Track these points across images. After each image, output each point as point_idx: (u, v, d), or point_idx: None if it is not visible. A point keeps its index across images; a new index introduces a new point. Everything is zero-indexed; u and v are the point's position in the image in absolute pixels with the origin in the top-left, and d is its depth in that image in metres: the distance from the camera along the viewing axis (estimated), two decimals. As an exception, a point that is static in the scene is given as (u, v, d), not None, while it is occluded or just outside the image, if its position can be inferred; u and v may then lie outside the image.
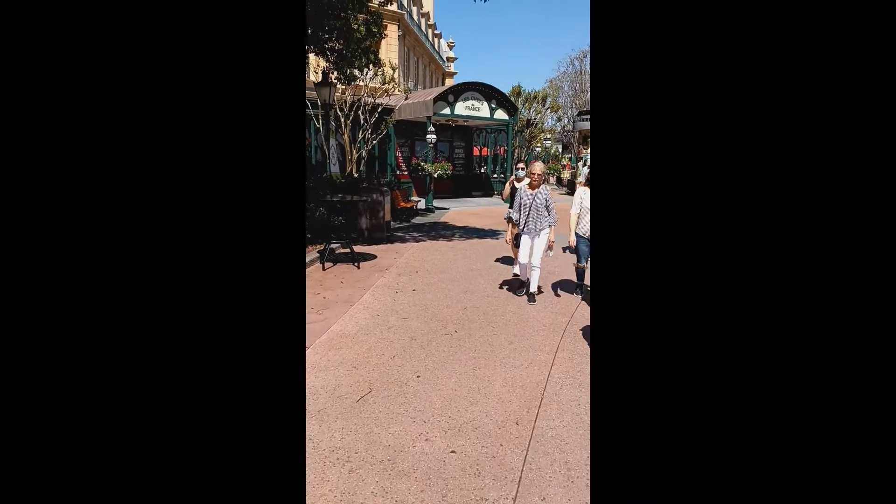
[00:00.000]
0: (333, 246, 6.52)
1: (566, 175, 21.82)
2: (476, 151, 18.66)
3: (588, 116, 19.89)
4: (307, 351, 3.54)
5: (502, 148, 19.29)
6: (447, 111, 14.20)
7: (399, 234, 9.15)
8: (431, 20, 27.97)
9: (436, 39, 29.61)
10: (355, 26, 7.46)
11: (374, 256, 6.94)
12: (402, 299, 4.85)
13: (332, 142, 8.66)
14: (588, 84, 29.36)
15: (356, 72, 7.77)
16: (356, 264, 6.29)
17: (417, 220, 11.64)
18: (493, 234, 9.50)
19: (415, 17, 23.40)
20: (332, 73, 7.84)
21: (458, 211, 13.85)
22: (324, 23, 7.14)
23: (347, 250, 6.58)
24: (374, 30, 8.26)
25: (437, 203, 14.75)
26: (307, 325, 4.05)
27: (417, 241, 8.36)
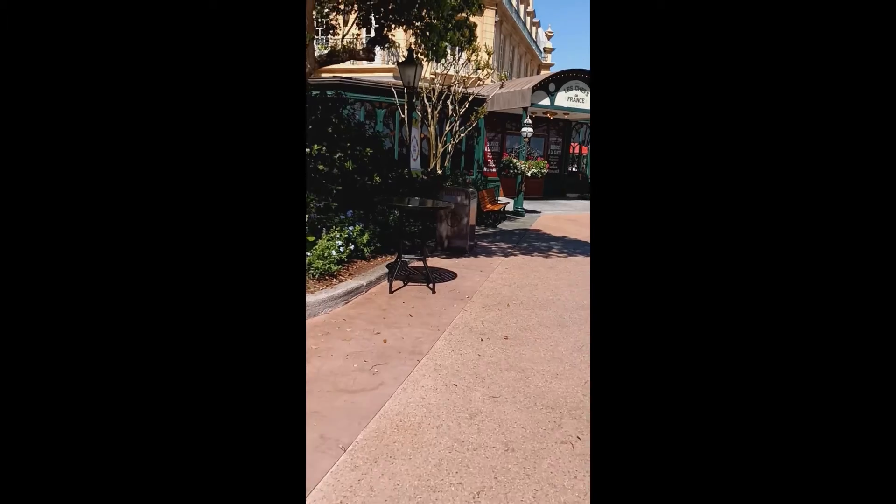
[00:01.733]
0: (406, 258, 5.23)
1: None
2: (573, 149, 16.73)
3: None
4: (345, 451, 2.22)
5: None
6: (546, 102, 12.50)
7: (484, 244, 7.71)
8: (531, 6, 26.13)
9: (533, 28, 27.71)
10: (449, -10, 6.09)
11: (453, 275, 5.56)
12: (489, 354, 3.40)
13: (415, 132, 7.35)
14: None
15: (447, 47, 6.39)
16: (430, 286, 4.94)
17: (505, 224, 10.14)
18: (599, 250, 7.76)
19: (513, 2, 21.74)
20: (419, 48, 6.53)
21: (552, 216, 12.14)
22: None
23: (421, 263, 5.25)
24: (472, -1, 6.85)
25: (527, 205, 13.14)
26: (355, 391, 2.74)
27: (506, 256, 6.87)
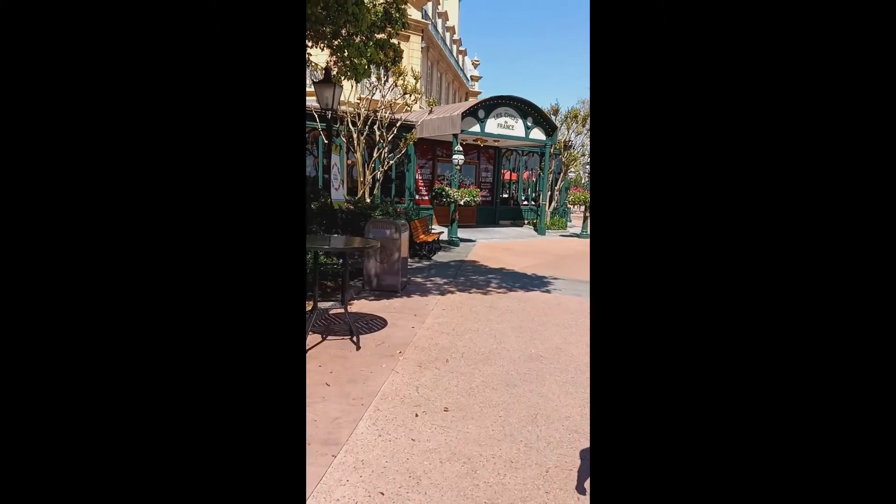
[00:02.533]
0: (324, 306, 4.43)
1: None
2: (505, 176, 16.62)
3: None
4: None
5: (527, 172, 17.19)
6: (476, 128, 12.22)
7: (418, 280, 7.04)
8: (456, 35, 26.40)
9: (460, 56, 28.00)
10: (368, 3, 5.51)
11: (383, 323, 4.81)
12: (425, 437, 2.69)
13: (335, 159, 6.61)
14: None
15: (367, 65, 5.78)
16: (354, 340, 4.16)
17: (440, 255, 9.54)
18: (539, 282, 7.31)
19: (439, 29, 21.76)
20: (336, 66, 5.87)
21: (487, 244, 11.72)
22: (326, -3, 5.19)
23: (342, 310, 4.45)
24: (396, 15, 6.32)
25: (461, 233, 12.67)
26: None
27: (443, 294, 6.23)
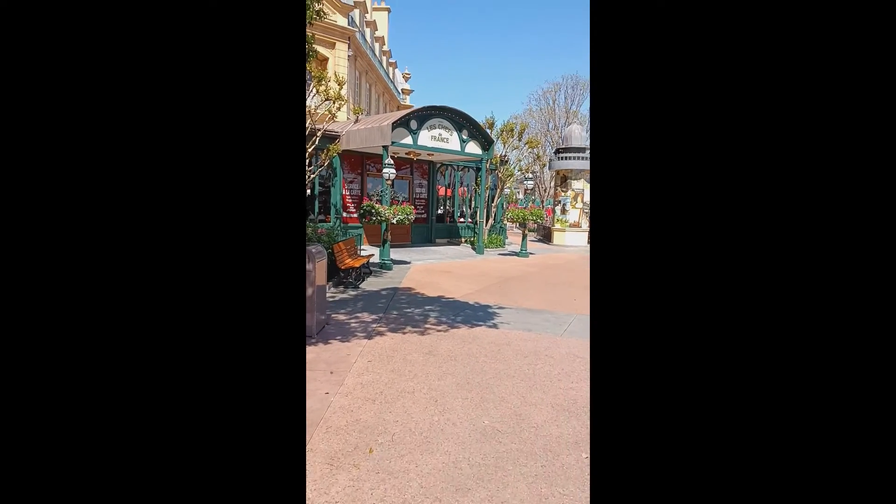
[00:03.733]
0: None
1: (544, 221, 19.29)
2: (441, 191, 15.73)
3: (567, 155, 17.53)
4: None
5: (462, 188, 16.44)
6: (409, 140, 11.23)
7: (341, 317, 5.84)
8: (386, 46, 25.51)
9: (390, 68, 27.11)
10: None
11: (286, 387, 3.59)
12: None
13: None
14: (562, 120, 27.57)
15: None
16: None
17: (371, 282, 8.37)
18: (484, 313, 6.34)
19: (367, 38, 20.74)
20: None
21: (424, 266, 10.68)
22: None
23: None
24: (310, 2, 5.22)
25: (394, 254, 11.55)
26: None
27: (370, 337, 5.08)
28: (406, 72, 30.40)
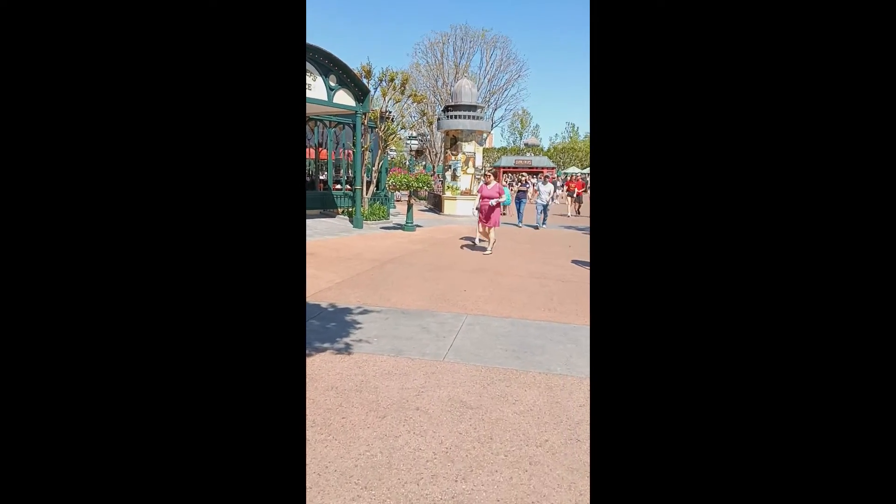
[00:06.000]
0: None
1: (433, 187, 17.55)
2: (310, 154, 13.24)
3: (456, 113, 15.78)
4: None
5: (338, 150, 14.06)
6: (255, 84, 8.66)
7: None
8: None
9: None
10: None
11: None
12: None
13: None
14: (451, 76, 25.63)
15: None
16: None
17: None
18: (338, 324, 4.40)
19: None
20: None
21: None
22: None
23: None
24: None
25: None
26: None
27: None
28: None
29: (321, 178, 13.91)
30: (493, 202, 8.38)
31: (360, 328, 4.32)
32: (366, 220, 12.13)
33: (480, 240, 9.19)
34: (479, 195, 8.78)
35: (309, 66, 9.63)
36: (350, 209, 12.52)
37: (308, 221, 11.60)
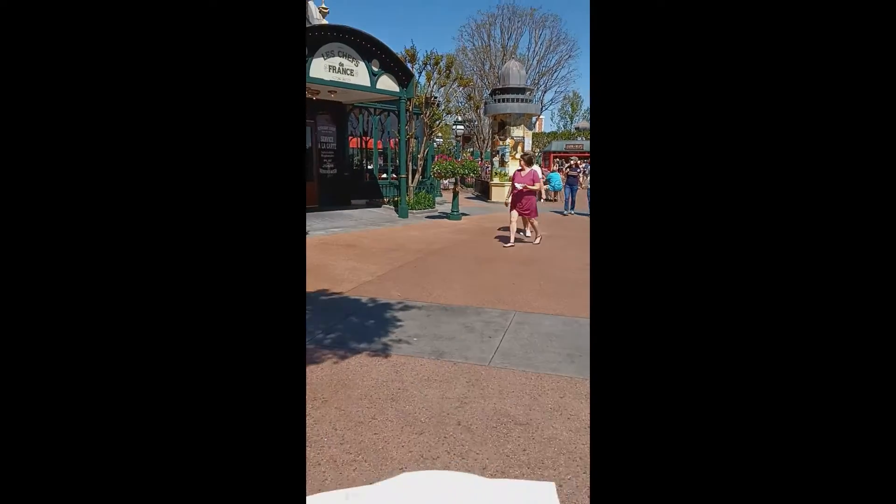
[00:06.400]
0: None
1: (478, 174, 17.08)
2: (354, 143, 13.12)
3: (504, 97, 15.22)
4: None
5: (393, 140, 13.84)
6: (297, 72, 8.53)
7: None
8: (294, -28, 21.62)
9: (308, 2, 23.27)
10: None
11: None
12: None
13: None
14: (499, 59, 24.88)
15: None
16: None
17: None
18: (377, 322, 4.14)
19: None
20: None
21: (324, 239, 8.32)
22: None
23: None
24: None
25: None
26: None
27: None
28: (323, 6, 26.53)
29: (368, 167, 13.79)
30: (521, 187, 7.63)
31: (399, 326, 4.04)
32: (411, 209, 11.89)
33: (518, 230, 8.38)
34: (511, 182, 7.95)
35: (351, 51, 9.41)
36: (396, 198, 12.31)
37: (353, 212, 11.49)
